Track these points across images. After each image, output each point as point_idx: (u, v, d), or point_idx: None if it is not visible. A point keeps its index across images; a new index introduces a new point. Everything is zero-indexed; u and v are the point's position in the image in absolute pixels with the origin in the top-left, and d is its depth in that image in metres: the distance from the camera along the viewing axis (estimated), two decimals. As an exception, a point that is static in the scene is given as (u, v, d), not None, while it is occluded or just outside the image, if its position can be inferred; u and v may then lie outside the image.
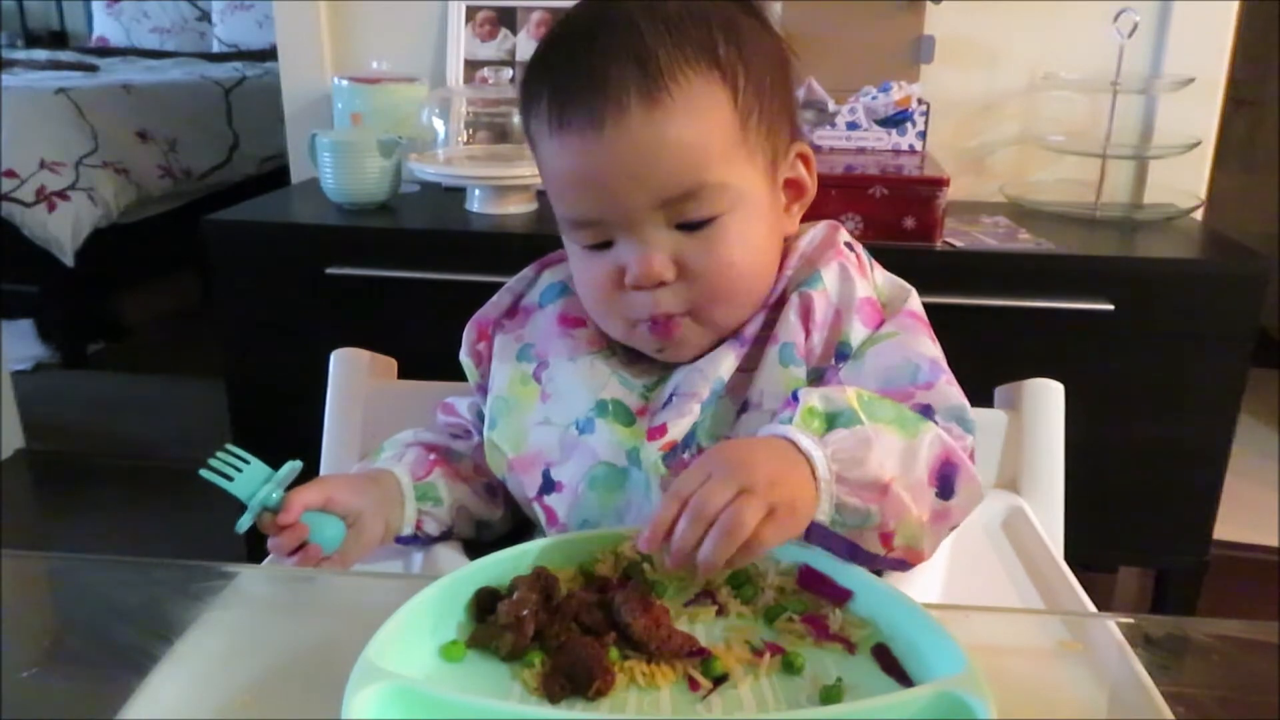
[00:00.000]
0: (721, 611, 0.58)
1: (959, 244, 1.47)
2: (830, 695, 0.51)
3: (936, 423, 0.65)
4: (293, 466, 0.69)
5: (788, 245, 0.74)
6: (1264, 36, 2.67)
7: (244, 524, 0.67)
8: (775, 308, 0.72)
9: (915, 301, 0.73)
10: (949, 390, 0.68)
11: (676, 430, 0.69)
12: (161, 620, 0.59)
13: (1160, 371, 1.45)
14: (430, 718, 0.47)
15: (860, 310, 0.71)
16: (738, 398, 0.71)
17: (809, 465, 0.58)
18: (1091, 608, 0.73)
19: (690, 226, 0.67)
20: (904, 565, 0.63)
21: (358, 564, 0.72)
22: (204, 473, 0.67)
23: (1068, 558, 0.82)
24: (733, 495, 0.54)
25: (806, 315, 0.70)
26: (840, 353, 0.70)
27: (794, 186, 0.74)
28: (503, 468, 0.76)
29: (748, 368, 0.71)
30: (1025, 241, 1.50)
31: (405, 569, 0.77)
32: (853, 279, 0.71)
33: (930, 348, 0.71)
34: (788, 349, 0.70)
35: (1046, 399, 0.90)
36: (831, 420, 0.61)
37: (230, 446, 0.69)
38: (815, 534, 0.59)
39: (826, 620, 0.57)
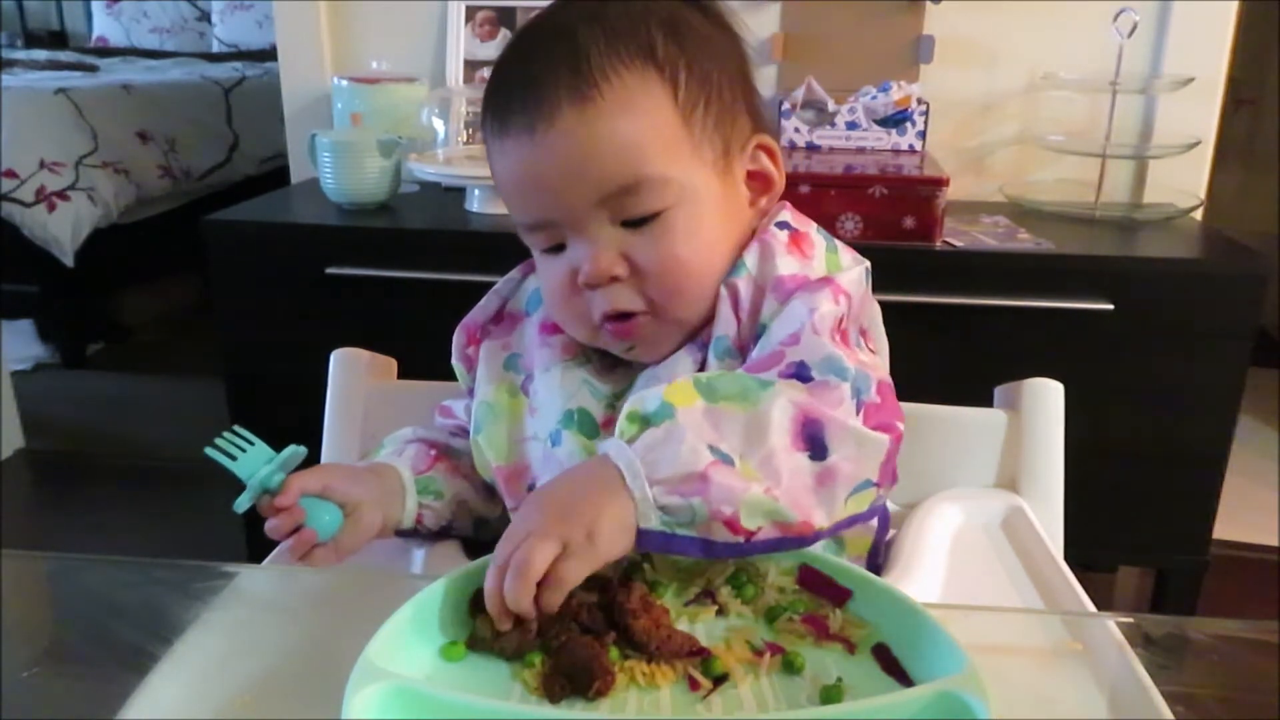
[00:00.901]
0: (721, 611, 0.58)
1: (959, 244, 1.47)
2: (830, 695, 0.51)
3: (812, 379, 0.62)
4: (295, 451, 0.69)
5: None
6: (1264, 36, 2.67)
7: (242, 504, 0.67)
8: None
9: (851, 274, 0.69)
10: (815, 341, 0.64)
11: None
12: (161, 620, 0.59)
13: (1160, 371, 1.45)
14: (430, 718, 0.47)
15: (778, 288, 0.68)
16: None
17: (620, 477, 0.57)
18: (1091, 608, 0.73)
19: (635, 223, 0.67)
20: (800, 542, 0.59)
21: (355, 557, 0.72)
22: (209, 450, 0.67)
23: (1068, 558, 0.82)
24: (519, 540, 0.54)
25: (735, 304, 0.69)
26: (758, 334, 0.68)
27: (758, 179, 0.73)
28: (489, 472, 0.76)
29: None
30: (1025, 241, 1.50)
31: (405, 568, 0.77)
32: (773, 257, 0.69)
33: (823, 305, 0.65)
34: (721, 342, 0.69)
35: (1046, 399, 0.89)
36: (646, 421, 0.59)
37: (237, 428, 0.69)
38: (653, 540, 0.57)
39: (826, 620, 0.57)
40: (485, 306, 0.80)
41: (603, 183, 0.65)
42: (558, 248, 0.69)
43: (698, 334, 0.71)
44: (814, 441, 0.59)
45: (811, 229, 0.74)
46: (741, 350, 0.69)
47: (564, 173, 0.65)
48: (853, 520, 0.63)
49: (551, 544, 0.54)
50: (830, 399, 0.61)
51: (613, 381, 0.73)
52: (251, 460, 0.68)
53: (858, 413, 0.62)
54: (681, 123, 0.67)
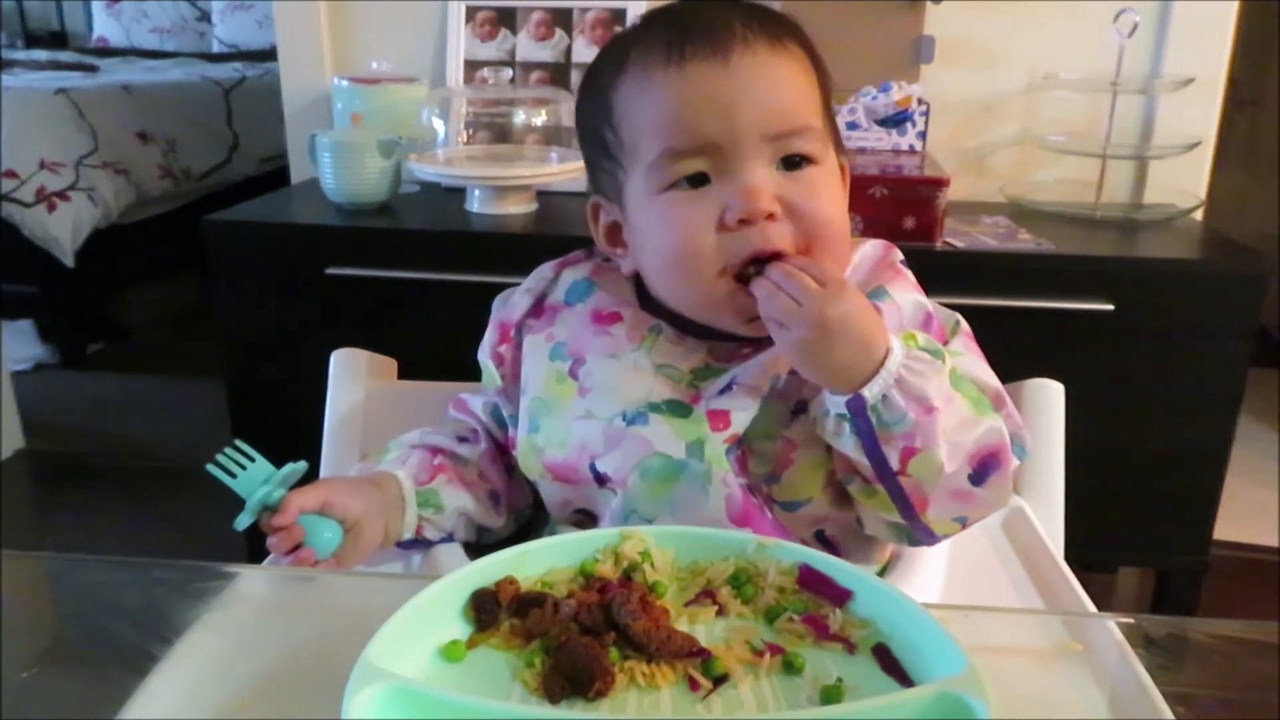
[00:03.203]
0: (721, 611, 0.58)
1: (959, 244, 1.47)
2: (830, 695, 0.51)
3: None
4: (294, 468, 0.69)
5: None
6: (1264, 36, 2.67)
7: (242, 522, 0.68)
8: None
9: (967, 326, 0.76)
10: (1008, 421, 0.70)
11: (738, 422, 0.70)
12: (161, 620, 0.59)
13: (1160, 371, 1.45)
14: (430, 718, 0.47)
15: (927, 322, 0.73)
16: (789, 398, 0.71)
17: (885, 353, 0.63)
18: (1091, 608, 0.73)
19: (793, 164, 0.69)
20: (906, 508, 0.66)
21: (357, 564, 0.72)
22: (210, 467, 0.68)
23: (1068, 558, 0.82)
24: (813, 291, 0.63)
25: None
26: None
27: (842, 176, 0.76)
28: (537, 471, 0.76)
29: None
30: (1025, 241, 1.50)
31: (405, 569, 0.77)
32: (915, 294, 0.75)
33: (993, 377, 0.73)
34: None
35: (1046, 399, 0.89)
36: (955, 383, 0.67)
37: (238, 443, 0.69)
38: (855, 406, 0.64)
39: (826, 620, 0.57)
40: (519, 303, 0.80)
41: (781, 118, 0.68)
42: (700, 180, 0.68)
43: None
44: (982, 468, 0.66)
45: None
46: None
47: (748, 98, 0.67)
48: (922, 538, 0.70)
49: (811, 321, 0.63)
50: (1010, 453, 0.69)
51: (686, 356, 0.74)
52: (252, 477, 0.68)
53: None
54: (823, 102, 0.72)
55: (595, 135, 0.74)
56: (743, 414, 0.70)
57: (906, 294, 0.74)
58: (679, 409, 0.71)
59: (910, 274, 0.76)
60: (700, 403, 0.71)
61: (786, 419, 0.70)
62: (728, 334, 0.73)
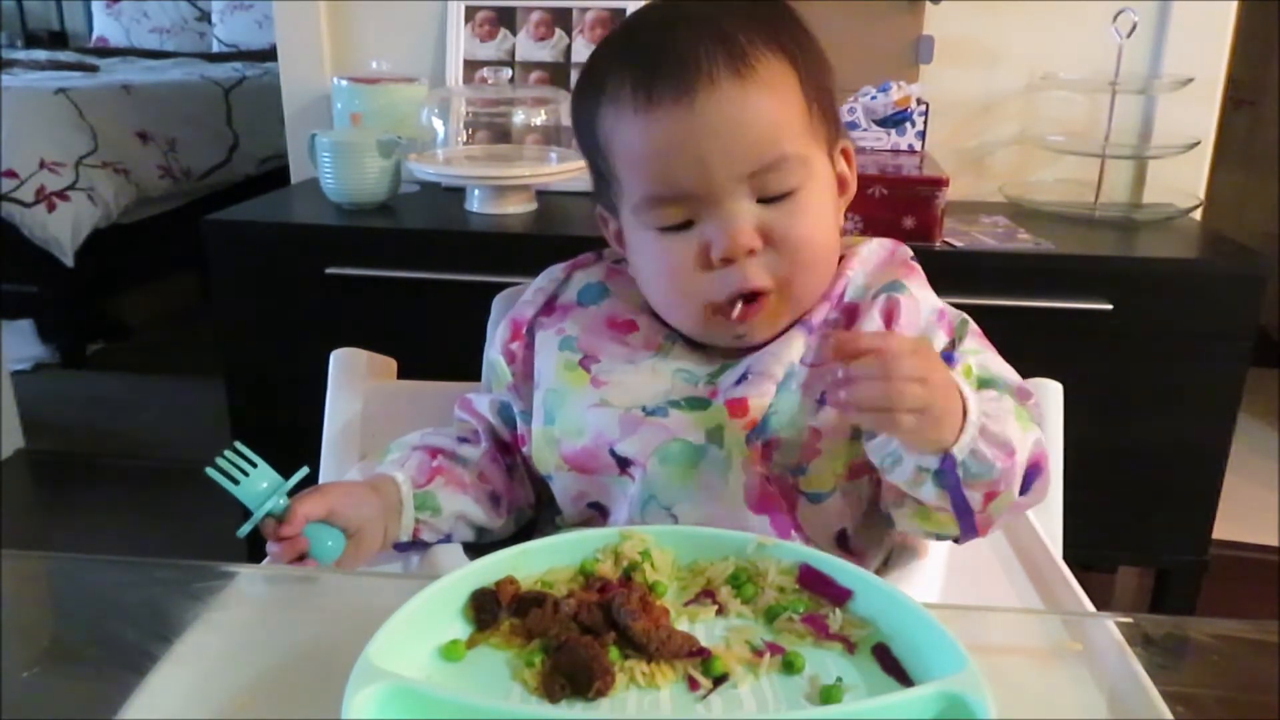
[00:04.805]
0: (721, 611, 0.59)
1: (958, 244, 1.47)
2: (830, 695, 0.51)
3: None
4: (298, 476, 0.69)
5: (842, 246, 0.76)
6: (1264, 36, 2.67)
7: (246, 531, 0.67)
8: (842, 305, 0.74)
9: (974, 325, 0.76)
10: (1033, 411, 0.71)
11: (756, 408, 0.70)
12: (161, 620, 0.59)
13: (1160, 371, 1.45)
14: (430, 718, 0.47)
15: (940, 321, 0.73)
16: (814, 389, 0.71)
17: (964, 405, 0.62)
18: (1091, 608, 0.73)
19: (772, 200, 0.69)
20: (971, 532, 0.67)
21: (356, 564, 0.72)
22: (210, 471, 0.67)
23: (1067, 558, 0.82)
24: (916, 376, 0.59)
25: (890, 317, 0.72)
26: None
27: (840, 181, 0.76)
28: (553, 464, 0.76)
29: (819, 361, 0.72)
30: (1025, 241, 1.50)
31: (405, 569, 0.77)
32: (930, 291, 0.75)
33: (1010, 371, 0.73)
34: None
35: (1045, 399, 0.89)
36: (983, 384, 0.67)
37: (238, 445, 0.68)
38: (945, 464, 0.62)
39: (826, 620, 0.57)
40: (532, 301, 0.80)
41: (752, 157, 0.68)
42: (684, 225, 0.70)
43: (804, 316, 0.73)
44: (1027, 480, 0.66)
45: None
46: None
47: (717, 144, 0.67)
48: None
49: (925, 400, 0.59)
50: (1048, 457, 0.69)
51: (702, 362, 0.75)
52: (254, 484, 0.67)
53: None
54: (807, 110, 0.71)
55: (587, 153, 0.76)
56: (760, 400, 0.70)
57: (923, 291, 0.75)
58: (698, 403, 0.72)
59: (921, 270, 0.77)
60: (718, 395, 0.72)
61: (813, 409, 0.71)
62: None
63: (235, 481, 0.67)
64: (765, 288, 0.70)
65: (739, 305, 0.70)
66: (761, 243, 0.69)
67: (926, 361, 0.61)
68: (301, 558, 0.68)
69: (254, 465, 0.68)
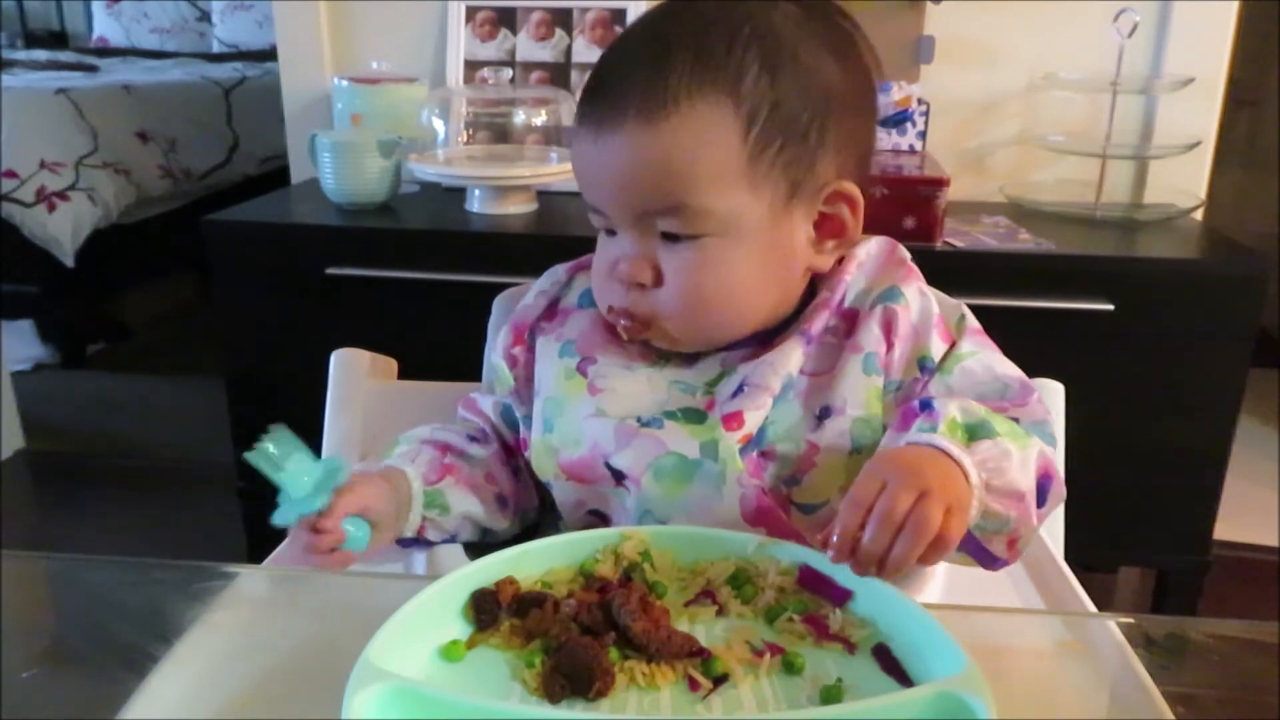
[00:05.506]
0: (721, 611, 0.59)
1: (959, 244, 1.47)
2: (830, 695, 0.51)
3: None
4: (341, 467, 0.66)
5: (843, 254, 0.75)
6: (1264, 36, 2.67)
7: (284, 520, 0.64)
8: (842, 311, 0.74)
9: (973, 318, 0.75)
10: (1037, 408, 0.71)
11: (752, 422, 0.70)
12: (161, 620, 0.59)
13: (1160, 371, 1.46)
14: (430, 718, 0.47)
15: (938, 326, 0.73)
16: (814, 402, 0.71)
17: (962, 472, 0.60)
18: (1091, 608, 0.73)
19: (674, 238, 0.69)
20: (999, 566, 0.65)
21: (357, 564, 0.72)
22: (250, 457, 0.62)
23: (1068, 558, 0.82)
24: (915, 498, 0.56)
25: (889, 328, 0.72)
26: (922, 366, 0.72)
27: (830, 224, 0.74)
28: (551, 472, 0.75)
29: (819, 371, 0.72)
30: (1025, 241, 1.50)
31: (405, 569, 0.77)
32: (929, 296, 0.74)
33: (1010, 366, 0.73)
34: (871, 359, 0.71)
35: (1046, 399, 0.89)
36: (972, 432, 0.64)
37: (281, 428, 0.64)
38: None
39: (826, 620, 0.57)
40: (534, 305, 0.80)
41: (646, 199, 0.68)
42: (611, 231, 0.73)
43: (792, 324, 0.73)
44: (1042, 492, 0.65)
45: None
46: (886, 369, 0.71)
47: (614, 180, 0.69)
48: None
49: (943, 505, 0.56)
50: (1055, 460, 0.69)
51: (700, 373, 0.75)
52: (296, 473, 0.63)
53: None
54: (746, 159, 0.67)
55: None
56: (756, 413, 0.70)
57: (919, 296, 0.74)
58: (695, 415, 0.72)
59: (918, 270, 0.77)
60: (715, 408, 0.71)
61: (812, 424, 0.71)
62: (737, 343, 0.73)
63: (280, 469, 0.63)
64: (644, 318, 0.71)
65: (623, 320, 0.72)
66: (652, 276, 0.70)
67: (907, 476, 0.57)
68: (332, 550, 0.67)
69: (294, 450, 0.64)
